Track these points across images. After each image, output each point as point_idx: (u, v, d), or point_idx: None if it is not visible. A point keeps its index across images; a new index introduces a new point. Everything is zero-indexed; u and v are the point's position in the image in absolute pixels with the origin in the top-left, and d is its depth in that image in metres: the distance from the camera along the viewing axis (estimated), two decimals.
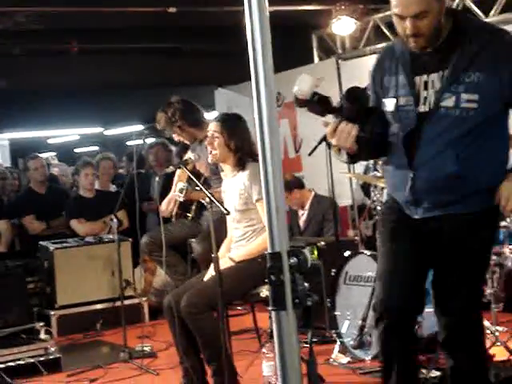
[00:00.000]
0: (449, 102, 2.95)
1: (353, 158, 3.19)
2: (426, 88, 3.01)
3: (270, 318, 4.63)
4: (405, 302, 3.13)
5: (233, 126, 4.58)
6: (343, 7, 7.33)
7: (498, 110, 3.02)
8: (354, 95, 2.99)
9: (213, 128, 4.60)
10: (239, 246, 4.57)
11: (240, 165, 4.55)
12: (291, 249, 1.75)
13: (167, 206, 5.61)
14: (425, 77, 3.01)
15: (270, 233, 1.76)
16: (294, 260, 1.75)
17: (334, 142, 3.02)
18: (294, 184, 6.90)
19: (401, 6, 2.87)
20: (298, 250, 1.76)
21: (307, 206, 6.90)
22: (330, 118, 3.05)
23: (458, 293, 3.06)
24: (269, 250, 1.76)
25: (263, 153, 1.78)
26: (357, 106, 2.98)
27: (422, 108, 3.02)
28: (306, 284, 1.75)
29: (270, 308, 1.76)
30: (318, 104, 2.96)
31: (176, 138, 5.76)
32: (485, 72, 2.90)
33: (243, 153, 4.53)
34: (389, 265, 3.18)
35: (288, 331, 1.75)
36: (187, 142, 5.78)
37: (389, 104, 3.11)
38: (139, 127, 13.16)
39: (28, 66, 8.20)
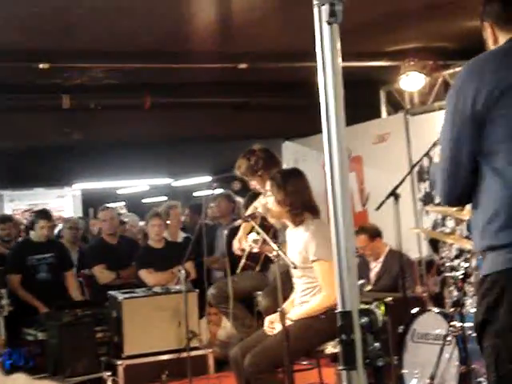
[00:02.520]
0: None
1: None
2: None
3: (336, 374, 4.59)
4: None
5: (283, 182, 4.60)
6: (412, 63, 7.35)
7: None
8: None
9: (268, 186, 4.66)
10: (301, 302, 4.56)
11: (296, 221, 4.57)
12: (362, 308, 1.76)
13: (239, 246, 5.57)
14: None
15: (340, 291, 1.77)
16: (365, 319, 1.76)
17: None
18: (377, 233, 6.86)
19: None
20: (370, 309, 1.77)
21: (381, 259, 6.82)
22: None
23: None
24: (339, 309, 1.77)
25: (335, 210, 1.80)
26: None
27: None
28: (376, 344, 1.75)
29: (340, 367, 1.76)
30: None
31: (253, 186, 5.70)
32: None
33: (298, 209, 4.54)
34: None
35: None
36: (262, 191, 5.78)
37: None
38: (207, 179, 13.37)
39: (102, 119, 8.45)
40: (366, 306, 1.79)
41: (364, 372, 1.74)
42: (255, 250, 5.24)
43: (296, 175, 4.70)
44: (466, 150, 2.54)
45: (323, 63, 1.79)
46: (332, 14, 1.74)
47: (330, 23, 1.75)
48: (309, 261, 4.44)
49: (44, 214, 7.77)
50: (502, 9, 2.66)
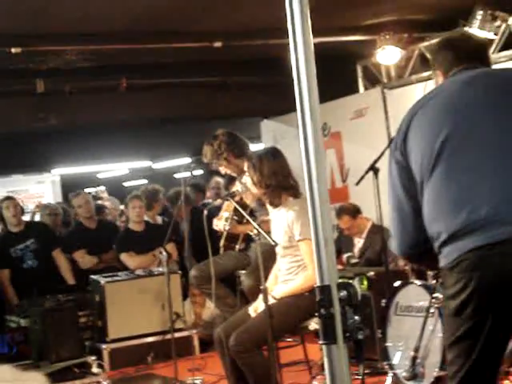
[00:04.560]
0: None
1: None
2: None
3: (321, 349, 4.63)
4: None
5: (259, 164, 4.57)
6: (388, 37, 7.32)
7: None
8: None
9: (245, 167, 4.65)
10: (285, 280, 4.56)
11: (275, 203, 4.56)
12: (341, 282, 1.75)
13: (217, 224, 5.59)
14: None
15: (318, 265, 1.75)
16: (343, 293, 1.74)
17: None
18: (357, 210, 6.90)
19: None
20: (348, 283, 1.76)
21: (364, 235, 6.85)
22: None
23: None
24: (318, 283, 1.76)
25: (310, 185, 1.77)
26: None
27: None
28: (356, 317, 1.74)
29: (320, 342, 1.75)
30: None
31: (222, 170, 5.80)
32: None
33: (275, 190, 4.52)
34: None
35: (339, 365, 1.73)
36: (234, 174, 5.82)
37: None
38: (187, 160, 13.31)
39: (78, 103, 8.36)
40: (345, 280, 1.78)
41: (344, 346, 1.73)
42: (226, 228, 5.25)
43: (273, 155, 4.65)
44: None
45: (294, 39, 1.76)
46: None
47: None
48: (294, 240, 4.44)
49: (6, 197, 7.79)
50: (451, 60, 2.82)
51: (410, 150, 2.68)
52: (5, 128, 8.84)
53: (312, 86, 1.76)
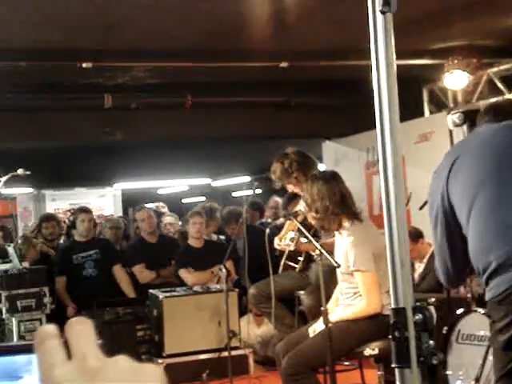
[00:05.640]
0: None
1: None
2: None
3: (379, 375, 4.54)
4: None
5: (310, 188, 4.51)
6: (456, 61, 7.24)
7: None
8: None
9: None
10: (344, 304, 4.52)
11: (325, 227, 4.51)
12: (416, 305, 1.72)
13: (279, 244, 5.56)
14: None
15: (394, 288, 1.73)
16: (418, 316, 1.71)
17: None
18: (419, 234, 6.81)
19: None
20: (424, 306, 1.72)
21: (425, 259, 6.76)
22: None
23: None
24: (393, 306, 1.73)
25: (388, 206, 1.75)
26: None
27: None
28: (431, 342, 1.71)
29: (393, 365, 1.72)
30: None
31: (290, 189, 5.72)
32: None
33: (324, 214, 4.45)
34: None
35: None
36: (302, 193, 5.77)
37: None
38: (246, 179, 13.36)
39: (143, 119, 8.48)
40: (420, 303, 1.74)
41: (418, 371, 1.70)
42: (291, 249, 5.22)
43: (325, 180, 4.54)
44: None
45: (376, 53, 1.75)
46: (386, 2, 1.69)
47: (383, 12, 1.70)
48: (350, 268, 4.40)
49: (83, 209, 7.99)
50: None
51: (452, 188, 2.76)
52: (71, 141, 9.02)
53: (393, 105, 1.75)
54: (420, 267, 6.80)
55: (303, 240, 5.17)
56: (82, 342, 0.74)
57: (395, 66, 1.74)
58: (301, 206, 5.39)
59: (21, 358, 0.87)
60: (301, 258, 5.86)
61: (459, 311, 5.02)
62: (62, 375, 0.71)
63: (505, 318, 2.44)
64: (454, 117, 3.16)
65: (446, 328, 5.02)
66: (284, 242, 5.42)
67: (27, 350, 0.84)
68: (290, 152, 5.60)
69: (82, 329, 0.75)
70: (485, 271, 2.54)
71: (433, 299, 5.55)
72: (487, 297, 2.55)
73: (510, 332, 2.43)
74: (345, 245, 4.42)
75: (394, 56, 1.74)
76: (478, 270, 2.59)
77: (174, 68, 7.16)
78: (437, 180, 2.86)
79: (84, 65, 6.51)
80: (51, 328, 0.74)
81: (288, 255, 5.68)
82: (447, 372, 4.96)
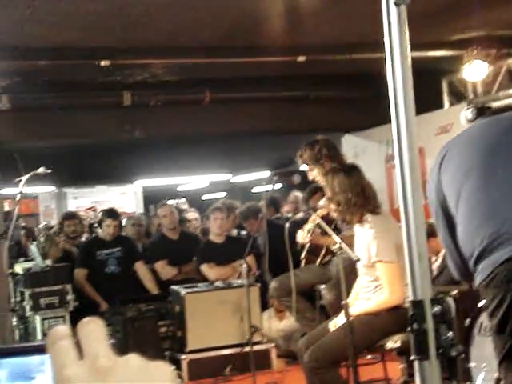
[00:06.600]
0: None
1: None
2: None
3: (401, 368, 4.53)
4: None
5: (331, 180, 4.52)
6: (476, 52, 7.19)
7: None
8: None
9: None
10: (365, 297, 4.52)
11: (346, 219, 4.51)
12: (435, 297, 1.72)
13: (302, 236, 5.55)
14: None
15: (412, 280, 1.73)
16: (437, 308, 1.71)
17: None
18: (429, 232, 6.75)
19: None
20: (442, 298, 1.72)
21: (442, 253, 6.72)
22: None
23: None
24: (411, 298, 1.73)
25: (405, 199, 1.76)
26: None
27: None
28: (450, 333, 1.71)
29: (412, 357, 1.72)
30: None
31: (313, 176, 5.62)
32: None
33: (346, 207, 4.45)
34: None
35: (431, 381, 1.70)
36: (322, 183, 5.71)
37: None
38: (266, 174, 13.36)
39: (163, 116, 8.51)
40: (438, 295, 1.74)
41: (437, 363, 1.70)
42: (307, 240, 5.21)
43: (347, 172, 4.55)
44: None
45: (390, 46, 1.75)
46: None
47: (397, 4, 1.70)
48: (371, 260, 4.39)
49: (111, 213, 7.94)
50: None
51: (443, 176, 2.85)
52: (91, 139, 9.07)
53: (409, 98, 1.75)
54: (437, 260, 6.76)
55: (318, 231, 5.17)
56: (93, 342, 0.74)
57: (410, 59, 1.74)
58: (323, 201, 5.38)
59: (34, 359, 0.89)
60: (322, 252, 5.86)
61: (481, 303, 4.99)
62: (73, 375, 0.72)
63: (494, 301, 2.46)
64: (466, 113, 3.18)
65: (468, 320, 4.99)
66: (302, 234, 5.42)
67: (40, 350, 0.85)
68: (321, 139, 5.59)
69: (93, 329, 0.75)
70: (471, 256, 2.56)
71: (455, 291, 5.52)
72: (477, 282, 2.57)
73: (500, 314, 2.44)
74: (366, 237, 4.42)
75: (409, 48, 1.74)
76: (467, 255, 2.62)
77: (192, 64, 7.18)
78: (431, 177, 2.93)
79: (102, 63, 6.54)
80: (63, 328, 0.75)
81: (310, 249, 5.68)
82: (470, 364, 4.93)
